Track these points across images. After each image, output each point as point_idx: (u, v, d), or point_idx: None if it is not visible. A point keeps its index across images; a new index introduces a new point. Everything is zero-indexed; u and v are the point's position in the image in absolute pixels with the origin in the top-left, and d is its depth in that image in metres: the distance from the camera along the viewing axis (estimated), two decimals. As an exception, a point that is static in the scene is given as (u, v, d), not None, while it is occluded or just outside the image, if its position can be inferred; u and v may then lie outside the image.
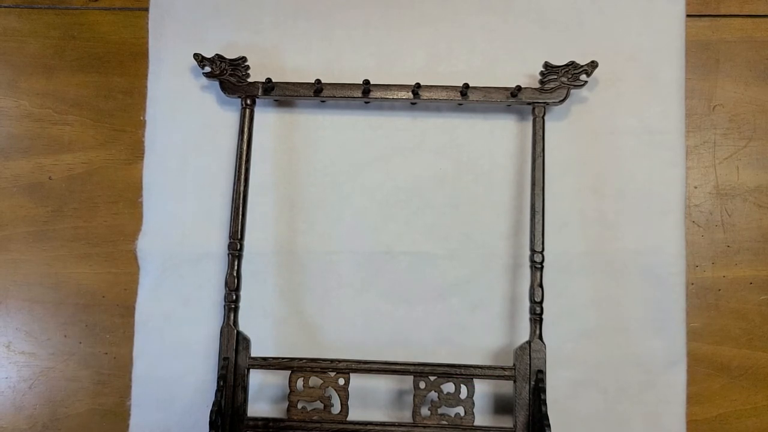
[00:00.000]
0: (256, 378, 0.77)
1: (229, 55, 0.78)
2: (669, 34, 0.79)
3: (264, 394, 0.78)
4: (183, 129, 0.80)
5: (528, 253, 0.74)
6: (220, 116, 0.80)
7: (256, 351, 0.74)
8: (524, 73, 0.79)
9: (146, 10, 0.82)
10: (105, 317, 0.80)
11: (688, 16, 0.80)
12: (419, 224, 0.79)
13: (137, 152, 0.81)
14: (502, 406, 0.77)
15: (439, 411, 0.72)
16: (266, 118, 0.80)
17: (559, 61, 0.76)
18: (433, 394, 0.73)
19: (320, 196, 0.79)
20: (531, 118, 0.76)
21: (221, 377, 0.72)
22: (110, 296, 0.80)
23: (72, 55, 0.83)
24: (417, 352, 0.77)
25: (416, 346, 0.77)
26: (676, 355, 0.77)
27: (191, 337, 0.78)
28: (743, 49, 0.82)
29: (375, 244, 0.79)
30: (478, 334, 0.78)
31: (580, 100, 0.79)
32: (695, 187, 0.81)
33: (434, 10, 0.81)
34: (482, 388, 0.76)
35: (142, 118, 0.81)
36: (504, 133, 0.79)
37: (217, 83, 0.78)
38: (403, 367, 0.73)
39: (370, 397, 0.77)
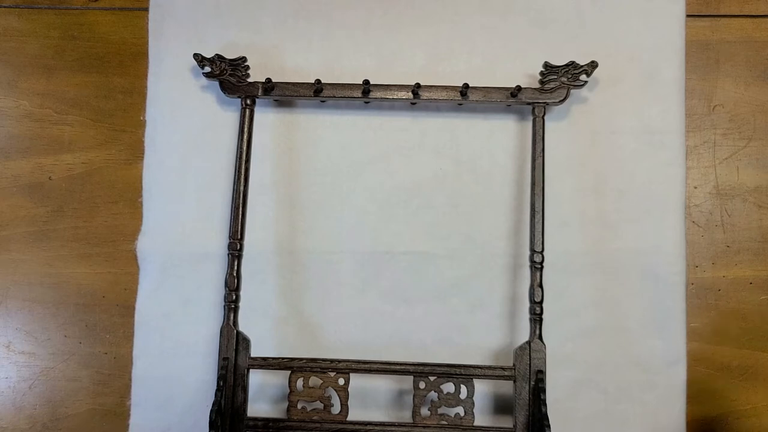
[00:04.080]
0: (256, 378, 0.77)
1: (229, 55, 0.78)
2: (669, 34, 0.79)
3: (264, 394, 0.78)
4: (183, 129, 0.80)
5: (528, 253, 0.74)
6: (220, 116, 0.80)
7: (256, 351, 0.74)
8: (524, 73, 0.79)
9: (146, 10, 0.82)
10: (105, 317, 0.80)
11: (688, 16, 0.80)
12: (419, 224, 0.79)
13: (137, 152, 0.81)
14: (502, 406, 0.77)
15: (439, 411, 0.72)
16: (266, 118, 0.80)
17: (559, 61, 0.76)
18: (433, 394, 0.73)
19: (320, 196, 0.79)
20: (531, 118, 0.76)
21: (221, 377, 0.72)
22: (110, 296, 0.80)
23: (72, 55, 0.83)
24: (417, 352, 0.77)
25: (416, 346, 0.78)
26: (676, 355, 0.77)
27: (191, 337, 0.78)
28: (743, 49, 0.82)
29: (375, 244, 0.79)
30: (478, 334, 0.78)
31: (580, 100, 0.79)
32: (695, 187, 0.81)
33: (434, 10, 0.81)
34: (482, 388, 0.76)
35: (142, 118, 0.81)
36: (504, 133, 0.79)
37: (217, 83, 0.78)
38: (403, 367, 0.73)
39: (370, 397, 0.77)
